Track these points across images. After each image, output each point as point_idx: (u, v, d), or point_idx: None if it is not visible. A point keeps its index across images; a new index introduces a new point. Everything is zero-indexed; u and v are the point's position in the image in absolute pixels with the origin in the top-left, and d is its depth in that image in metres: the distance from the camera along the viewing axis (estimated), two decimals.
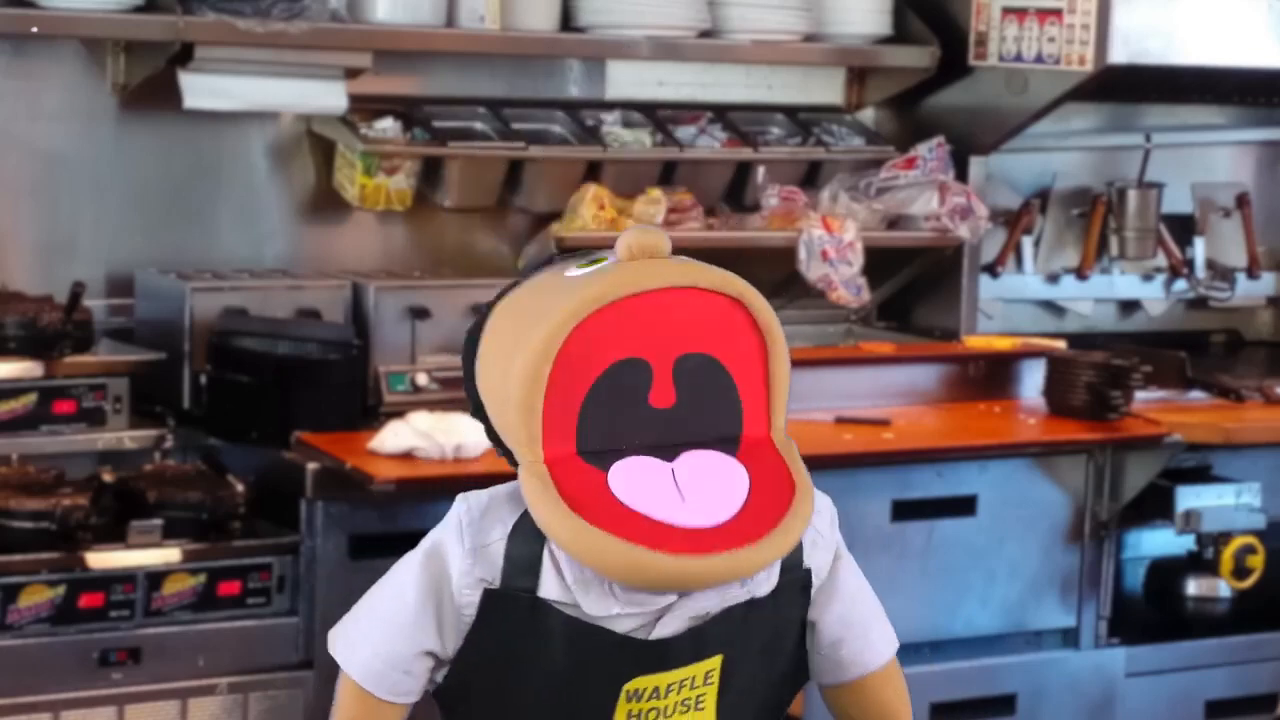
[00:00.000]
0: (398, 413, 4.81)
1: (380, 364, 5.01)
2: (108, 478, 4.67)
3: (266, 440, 4.77)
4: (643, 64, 5.74)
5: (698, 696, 2.18)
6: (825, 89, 6.05)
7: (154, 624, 4.50)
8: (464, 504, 2.19)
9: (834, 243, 5.56)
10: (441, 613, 2.18)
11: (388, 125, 5.31)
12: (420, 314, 5.04)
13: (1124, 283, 6.46)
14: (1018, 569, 5.37)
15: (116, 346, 4.97)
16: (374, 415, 4.91)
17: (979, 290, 6.01)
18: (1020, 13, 5.71)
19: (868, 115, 6.09)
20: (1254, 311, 6.77)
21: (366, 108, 5.31)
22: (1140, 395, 5.52)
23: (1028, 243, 6.27)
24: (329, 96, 5.15)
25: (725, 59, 5.77)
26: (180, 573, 4.53)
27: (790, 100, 6.00)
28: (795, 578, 2.20)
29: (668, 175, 5.64)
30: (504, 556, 2.14)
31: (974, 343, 5.87)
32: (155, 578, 4.50)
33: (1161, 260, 6.47)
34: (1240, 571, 5.69)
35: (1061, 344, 5.83)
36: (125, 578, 4.47)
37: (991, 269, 6.16)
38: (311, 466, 4.65)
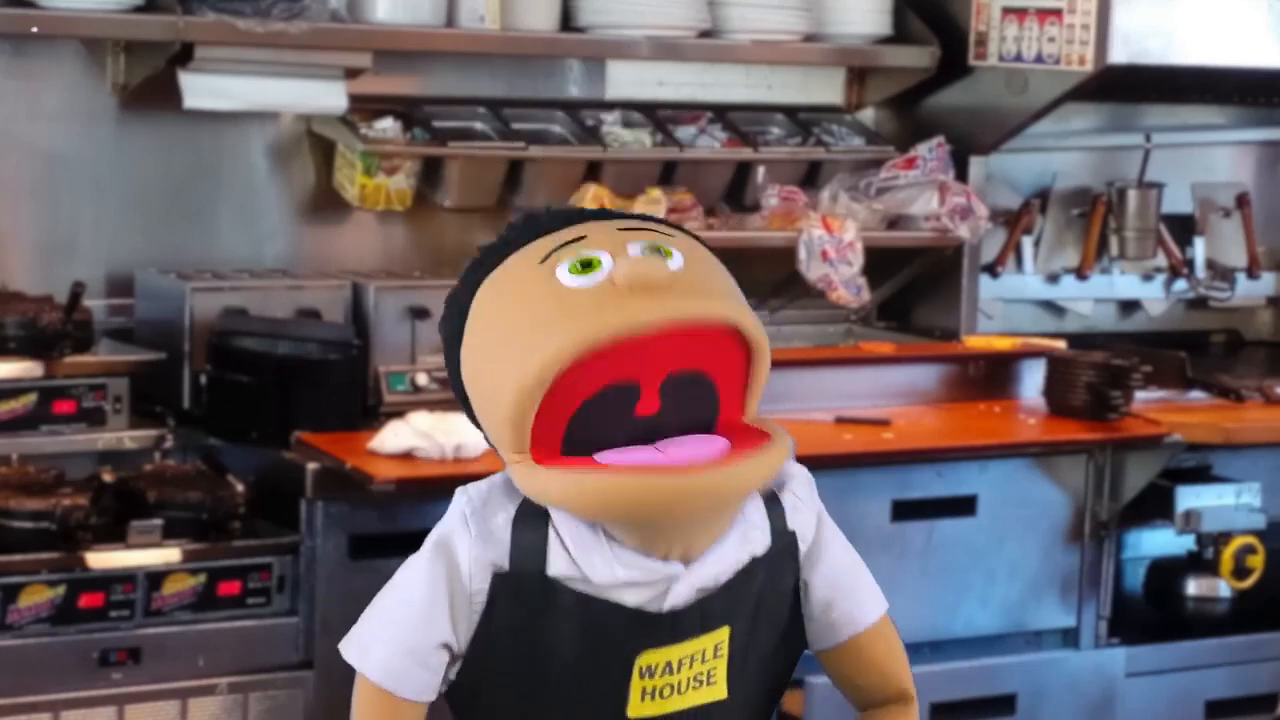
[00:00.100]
0: (398, 413, 4.81)
1: (380, 364, 5.01)
2: (108, 478, 4.67)
3: (266, 440, 4.77)
4: (643, 64, 5.74)
5: (709, 671, 2.20)
6: (825, 89, 6.06)
7: (154, 624, 4.50)
8: (464, 495, 2.20)
9: (834, 243, 5.56)
10: (454, 604, 2.17)
11: (388, 125, 5.31)
12: (420, 314, 5.04)
13: (1124, 283, 6.46)
14: (1018, 569, 5.37)
15: (116, 346, 4.97)
16: (374, 415, 4.91)
17: (979, 290, 6.01)
18: (1020, 13, 5.71)
19: (868, 115, 6.09)
20: (1254, 311, 6.77)
21: (366, 108, 5.31)
22: (1140, 395, 5.52)
23: (1028, 243, 6.27)
24: (329, 96, 5.15)
25: (725, 59, 5.77)
26: (180, 573, 4.53)
27: (790, 100, 6.00)
28: (785, 543, 2.23)
29: (668, 175, 5.63)
30: (510, 540, 2.16)
31: (974, 343, 5.87)
32: (155, 578, 4.49)
33: (1161, 260, 6.47)
34: (1240, 571, 5.69)
35: (1061, 344, 5.83)
36: (125, 578, 4.46)
37: (991, 269, 6.16)
38: (311, 466, 4.65)
